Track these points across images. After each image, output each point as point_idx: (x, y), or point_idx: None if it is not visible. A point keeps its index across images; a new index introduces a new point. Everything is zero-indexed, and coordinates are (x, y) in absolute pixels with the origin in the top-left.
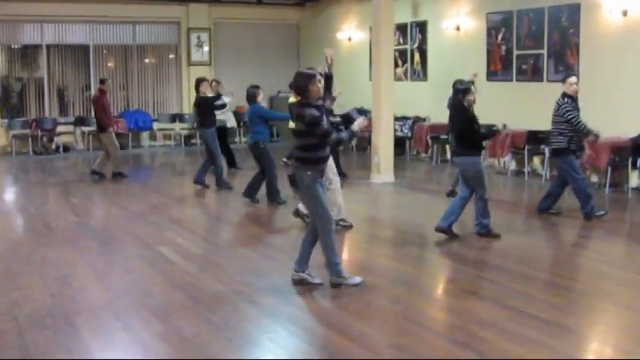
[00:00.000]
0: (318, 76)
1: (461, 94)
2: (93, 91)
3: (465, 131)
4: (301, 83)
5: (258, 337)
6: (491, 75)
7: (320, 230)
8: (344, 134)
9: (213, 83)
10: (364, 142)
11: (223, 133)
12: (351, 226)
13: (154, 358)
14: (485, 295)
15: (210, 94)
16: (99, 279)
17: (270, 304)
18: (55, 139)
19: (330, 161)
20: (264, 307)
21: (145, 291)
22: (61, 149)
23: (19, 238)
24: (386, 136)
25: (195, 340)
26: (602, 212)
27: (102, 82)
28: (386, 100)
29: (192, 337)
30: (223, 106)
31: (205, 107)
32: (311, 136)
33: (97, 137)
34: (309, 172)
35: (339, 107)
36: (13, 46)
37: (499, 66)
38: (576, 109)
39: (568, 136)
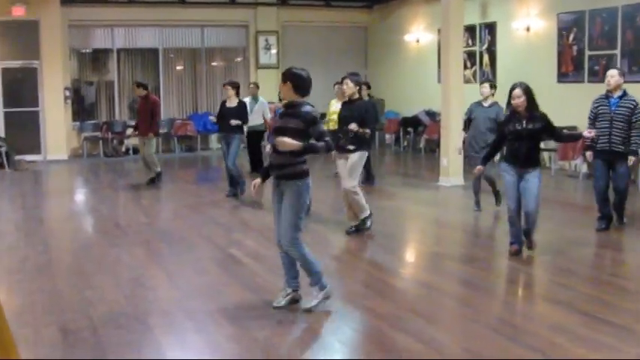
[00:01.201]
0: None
1: None
2: (163, 94)
3: None
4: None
5: (327, 339)
6: (562, 77)
7: None
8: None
9: (251, 86)
10: (433, 145)
11: (257, 136)
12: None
13: (225, 358)
14: (558, 300)
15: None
16: (170, 280)
17: (340, 307)
18: (125, 141)
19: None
20: (334, 309)
21: (215, 292)
22: (130, 151)
23: (91, 239)
24: (455, 138)
25: (265, 342)
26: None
27: (145, 86)
28: (455, 103)
29: (262, 339)
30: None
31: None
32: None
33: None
34: None
35: (408, 109)
36: (83, 51)
37: (570, 67)
38: None
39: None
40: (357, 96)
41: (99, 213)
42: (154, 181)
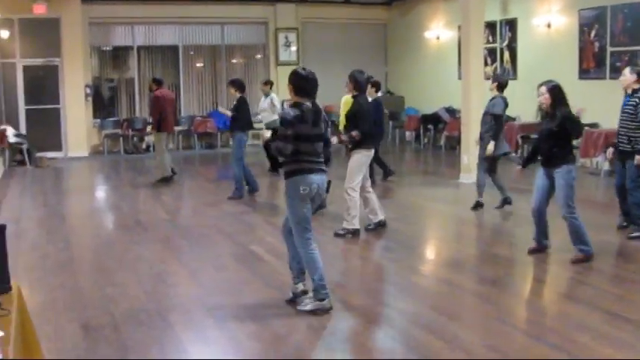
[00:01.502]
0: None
1: None
2: (183, 91)
3: None
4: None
5: (350, 337)
6: (584, 73)
7: None
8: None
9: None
10: (453, 142)
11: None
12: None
13: (247, 356)
14: (580, 298)
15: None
16: (191, 276)
17: (363, 304)
18: (146, 138)
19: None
20: (356, 307)
21: (237, 289)
22: (151, 148)
23: (112, 236)
24: (475, 135)
25: (287, 339)
26: None
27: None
28: (475, 100)
29: (284, 336)
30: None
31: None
32: None
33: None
34: None
35: (428, 107)
36: (104, 48)
37: (592, 64)
38: None
39: None
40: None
41: (119, 210)
42: (166, 180)
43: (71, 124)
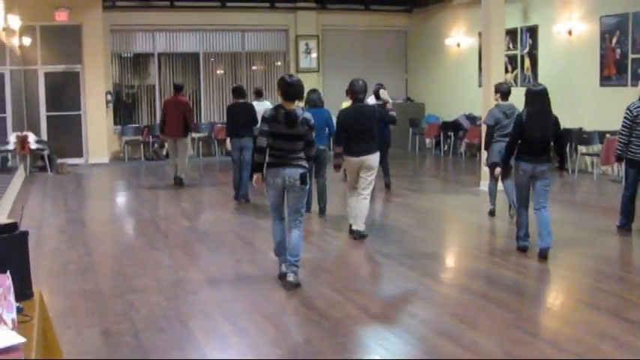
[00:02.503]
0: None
1: None
2: (203, 98)
3: None
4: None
5: (370, 344)
6: (605, 80)
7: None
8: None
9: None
10: (474, 149)
11: None
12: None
13: None
14: (601, 306)
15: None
16: (211, 283)
17: (382, 312)
18: (166, 144)
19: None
20: (376, 314)
21: (256, 295)
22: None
23: (132, 242)
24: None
25: (307, 346)
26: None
27: (181, 88)
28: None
29: (304, 343)
30: None
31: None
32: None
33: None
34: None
35: (448, 114)
36: (125, 55)
37: (613, 70)
38: None
39: None
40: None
41: (140, 216)
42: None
43: (92, 131)
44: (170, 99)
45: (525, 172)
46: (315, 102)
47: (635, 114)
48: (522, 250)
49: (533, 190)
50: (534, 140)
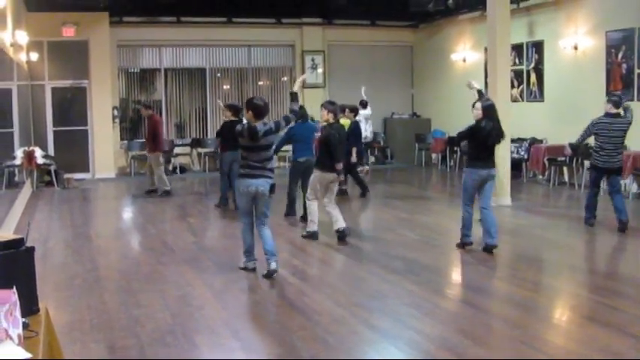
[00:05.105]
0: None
1: None
2: (209, 113)
3: None
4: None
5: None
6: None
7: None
8: None
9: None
10: None
11: None
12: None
13: None
14: (608, 323)
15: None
16: (217, 298)
17: (388, 328)
18: (173, 160)
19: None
20: (381, 330)
21: (262, 311)
22: (178, 170)
23: (139, 257)
24: (502, 158)
25: None
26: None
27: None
28: (502, 121)
29: (309, 359)
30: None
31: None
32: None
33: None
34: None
35: (454, 128)
36: (131, 70)
37: (619, 85)
38: None
39: None
40: (331, 121)
41: (146, 231)
42: (152, 192)
43: (98, 146)
44: (157, 118)
45: (481, 176)
46: (305, 117)
47: (596, 129)
48: (469, 245)
49: (478, 193)
50: (490, 145)
